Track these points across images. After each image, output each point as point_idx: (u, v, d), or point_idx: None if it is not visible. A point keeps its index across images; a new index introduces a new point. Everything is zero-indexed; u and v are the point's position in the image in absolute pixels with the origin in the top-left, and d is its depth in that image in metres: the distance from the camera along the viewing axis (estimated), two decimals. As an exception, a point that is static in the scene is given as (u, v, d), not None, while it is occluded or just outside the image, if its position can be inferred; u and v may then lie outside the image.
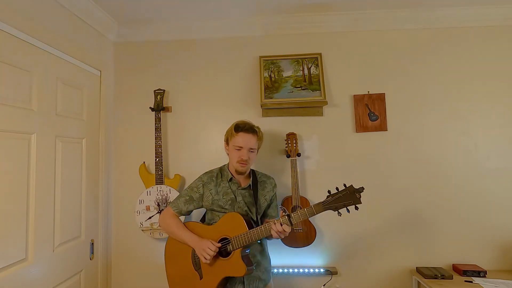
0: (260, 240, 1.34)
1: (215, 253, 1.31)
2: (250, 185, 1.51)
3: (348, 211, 1.21)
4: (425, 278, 1.73)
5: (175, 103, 2.09)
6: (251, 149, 1.46)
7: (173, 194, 1.92)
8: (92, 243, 1.87)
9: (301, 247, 1.86)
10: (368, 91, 2.01)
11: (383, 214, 1.94)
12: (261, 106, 1.97)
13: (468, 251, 1.89)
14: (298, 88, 1.96)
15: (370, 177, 1.96)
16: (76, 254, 1.72)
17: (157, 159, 1.94)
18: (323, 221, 1.94)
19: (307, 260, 1.94)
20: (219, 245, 1.33)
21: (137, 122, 2.10)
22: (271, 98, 1.95)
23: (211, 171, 1.55)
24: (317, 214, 1.23)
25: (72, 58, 1.73)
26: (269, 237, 1.31)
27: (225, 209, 1.44)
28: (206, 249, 1.31)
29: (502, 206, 1.90)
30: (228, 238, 1.34)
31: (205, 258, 1.31)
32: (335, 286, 1.91)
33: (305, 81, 1.97)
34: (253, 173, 1.55)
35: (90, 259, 1.85)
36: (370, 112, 1.98)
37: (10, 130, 1.32)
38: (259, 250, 1.47)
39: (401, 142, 1.98)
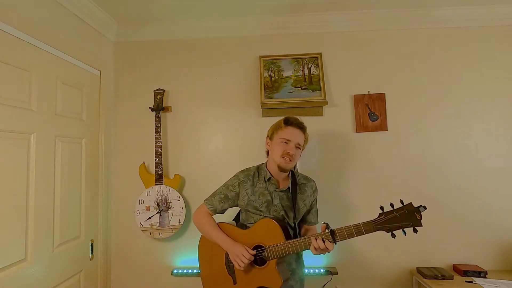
0: (296, 252, 1.26)
1: (250, 261, 1.25)
2: (289, 187, 1.40)
3: (405, 233, 1.05)
4: (426, 278, 1.72)
5: (175, 103, 2.09)
6: (298, 145, 1.36)
7: (173, 194, 1.92)
8: (92, 243, 1.87)
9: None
10: (368, 91, 2.01)
11: (383, 214, 1.94)
12: (261, 106, 1.97)
13: (468, 251, 1.89)
14: (298, 88, 1.96)
15: (370, 177, 1.96)
16: (75, 254, 1.72)
17: (157, 159, 1.93)
18: (323, 221, 1.94)
19: (307, 260, 1.93)
20: (254, 252, 1.26)
21: (137, 122, 2.10)
22: (271, 98, 1.95)
23: (248, 169, 1.46)
24: (365, 234, 1.11)
25: (71, 58, 1.72)
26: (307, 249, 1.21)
27: (260, 211, 1.35)
28: (240, 255, 1.24)
29: (502, 206, 1.90)
30: (263, 246, 1.27)
31: (239, 265, 1.25)
32: (335, 286, 1.91)
33: (305, 81, 1.97)
34: (292, 175, 1.44)
35: (90, 259, 1.85)
36: (370, 112, 1.98)
37: (9, 130, 1.32)
38: (294, 258, 1.39)
39: (401, 142, 1.97)
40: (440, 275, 1.70)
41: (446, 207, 1.92)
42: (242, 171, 1.46)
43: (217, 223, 1.43)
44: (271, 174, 1.40)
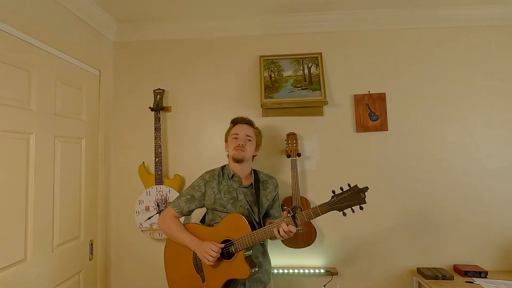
0: (263, 241, 1.34)
1: (218, 255, 1.29)
2: (252, 184, 1.49)
3: (353, 211, 1.20)
4: (426, 279, 1.72)
5: (174, 103, 2.09)
6: (248, 136, 1.49)
7: (173, 194, 1.92)
8: (91, 244, 1.86)
9: (301, 247, 1.85)
10: (369, 91, 2.00)
11: (384, 214, 1.94)
12: (261, 106, 1.97)
13: (469, 251, 1.89)
14: (298, 88, 1.96)
15: (371, 177, 1.96)
16: (75, 255, 1.72)
17: (157, 159, 1.93)
18: (324, 221, 1.94)
19: (308, 260, 1.94)
20: (222, 245, 1.31)
21: (136, 122, 2.10)
22: (271, 98, 1.95)
23: (212, 170, 1.53)
24: (322, 215, 1.21)
25: (71, 57, 1.72)
26: (273, 237, 1.28)
27: (227, 208, 1.42)
28: (209, 250, 1.28)
29: (503, 206, 1.89)
30: (230, 240, 1.32)
31: (208, 260, 1.28)
32: (335, 286, 1.91)
33: (305, 81, 1.97)
34: (255, 173, 1.54)
35: (89, 259, 1.84)
36: (371, 112, 1.98)
37: (9, 130, 1.31)
38: (261, 252, 1.45)
39: (402, 142, 1.97)
40: (440, 276, 1.70)
41: (446, 207, 1.92)
42: (207, 171, 1.53)
43: (184, 224, 1.46)
44: (234, 172, 1.49)
